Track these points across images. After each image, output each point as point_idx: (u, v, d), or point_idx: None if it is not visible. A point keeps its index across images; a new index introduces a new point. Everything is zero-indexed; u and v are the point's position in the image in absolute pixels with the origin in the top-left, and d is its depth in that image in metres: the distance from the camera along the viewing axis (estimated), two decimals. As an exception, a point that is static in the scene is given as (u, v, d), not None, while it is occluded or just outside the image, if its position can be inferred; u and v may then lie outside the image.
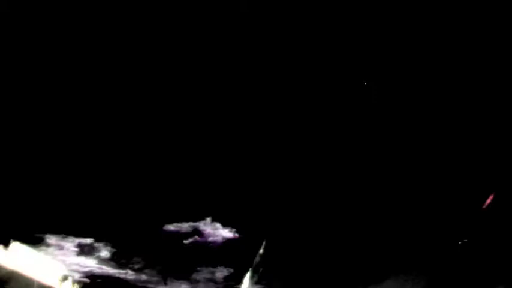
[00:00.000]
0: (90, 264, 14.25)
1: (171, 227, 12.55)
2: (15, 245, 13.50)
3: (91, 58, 9.45)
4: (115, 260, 13.73)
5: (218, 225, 12.28)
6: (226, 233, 12.46)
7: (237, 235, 12.36)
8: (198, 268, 13.78)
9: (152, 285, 14.29)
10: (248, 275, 12.92)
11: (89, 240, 13.20)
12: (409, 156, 10.40)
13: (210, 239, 12.69)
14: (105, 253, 13.71)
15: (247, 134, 9.93)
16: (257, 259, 12.46)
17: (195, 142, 10.00)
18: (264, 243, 12.11)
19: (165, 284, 13.26)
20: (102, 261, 14.02)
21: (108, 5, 9.29)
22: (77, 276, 14.86)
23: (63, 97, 9.50)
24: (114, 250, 13.43)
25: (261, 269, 12.60)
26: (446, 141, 9.98)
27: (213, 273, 13.80)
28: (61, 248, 13.80)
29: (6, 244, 13.16)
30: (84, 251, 13.80)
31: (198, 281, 13.97)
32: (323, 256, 12.30)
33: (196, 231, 12.61)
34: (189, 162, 10.32)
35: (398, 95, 9.76)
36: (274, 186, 10.83)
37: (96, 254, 13.85)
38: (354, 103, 9.96)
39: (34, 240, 13.40)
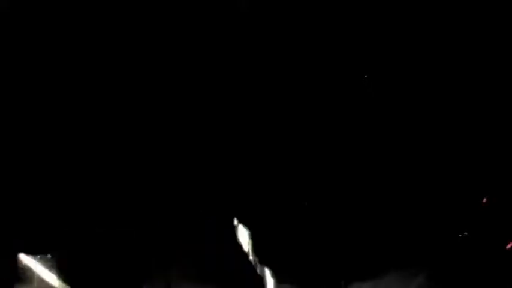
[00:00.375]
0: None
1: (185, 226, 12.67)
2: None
3: (90, 58, 9.52)
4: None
5: (232, 225, 12.43)
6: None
7: (252, 234, 12.49)
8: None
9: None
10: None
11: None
12: (409, 150, 10.49)
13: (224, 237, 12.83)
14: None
15: (248, 134, 10.03)
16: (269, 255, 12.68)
17: (197, 143, 10.12)
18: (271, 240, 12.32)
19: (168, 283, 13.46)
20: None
21: (107, 4, 9.35)
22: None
23: (71, 97, 9.59)
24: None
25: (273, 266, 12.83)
26: (446, 135, 10.08)
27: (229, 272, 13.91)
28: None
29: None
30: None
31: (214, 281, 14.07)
32: (324, 251, 12.43)
33: (211, 231, 12.73)
34: (197, 162, 10.45)
35: (397, 91, 9.84)
36: (277, 182, 10.97)
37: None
38: (352, 99, 10.04)
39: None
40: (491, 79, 9.45)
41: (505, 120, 9.63)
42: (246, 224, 11.64)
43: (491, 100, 9.65)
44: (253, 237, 11.86)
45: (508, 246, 10.63)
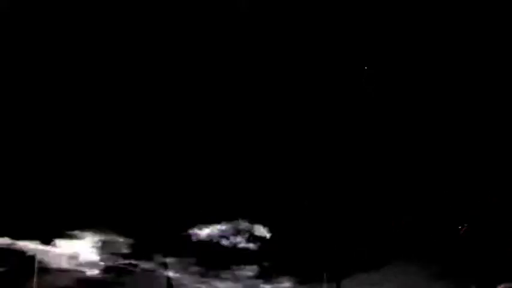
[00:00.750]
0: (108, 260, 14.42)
1: (203, 227, 12.78)
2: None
3: (90, 57, 9.48)
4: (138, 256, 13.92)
5: (249, 224, 12.54)
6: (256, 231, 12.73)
7: (266, 233, 12.65)
8: (233, 266, 14.00)
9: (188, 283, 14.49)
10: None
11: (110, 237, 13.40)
12: (409, 149, 10.48)
13: (242, 237, 12.95)
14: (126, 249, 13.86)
15: (248, 134, 10.03)
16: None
17: (202, 143, 10.10)
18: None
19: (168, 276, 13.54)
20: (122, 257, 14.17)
21: (107, 4, 9.28)
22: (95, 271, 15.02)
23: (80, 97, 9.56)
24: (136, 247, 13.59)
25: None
26: (446, 134, 10.07)
27: (245, 270, 14.02)
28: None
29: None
30: (103, 246, 13.95)
31: (235, 279, 14.17)
32: (327, 242, 12.47)
33: (229, 231, 12.86)
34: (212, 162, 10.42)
35: (397, 90, 9.81)
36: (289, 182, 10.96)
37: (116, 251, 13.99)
38: (352, 99, 10.02)
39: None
40: (491, 79, 9.43)
41: (505, 120, 9.62)
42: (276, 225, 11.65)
43: (491, 100, 9.63)
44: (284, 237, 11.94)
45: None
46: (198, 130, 9.99)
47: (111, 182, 11.07)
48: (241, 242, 13.26)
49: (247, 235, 13.02)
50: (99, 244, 14.23)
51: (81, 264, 15.23)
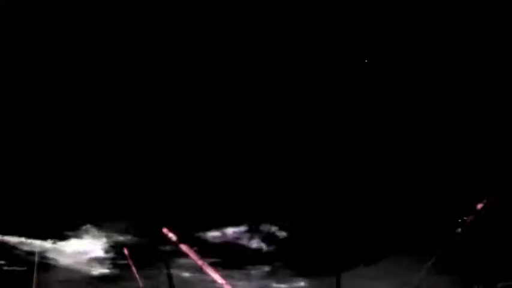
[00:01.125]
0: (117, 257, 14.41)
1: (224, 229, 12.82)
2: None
3: (90, 57, 9.47)
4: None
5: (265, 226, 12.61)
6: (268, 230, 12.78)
7: (279, 233, 12.71)
8: (246, 266, 14.03)
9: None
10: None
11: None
12: (408, 148, 10.50)
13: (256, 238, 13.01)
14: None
15: (248, 134, 10.02)
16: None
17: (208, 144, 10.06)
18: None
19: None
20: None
21: (107, 4, 9.27)
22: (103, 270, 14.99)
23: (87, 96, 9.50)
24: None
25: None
26: (446, 134, 10.07)
27: (257, 270, 14.06)
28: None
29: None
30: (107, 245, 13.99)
31: (247, 278, 14.19)
32: (329, 235, 12.50)
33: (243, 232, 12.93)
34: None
35: (397, 90, 9.81)
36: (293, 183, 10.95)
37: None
38: (352, 98, 10.02)
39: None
40: (491, 78, 9.42)
41: (505, 120, 9.61)
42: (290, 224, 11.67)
43: (491, 100, 9.62)
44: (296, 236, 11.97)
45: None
46: (202, 132, 10.01)
47: (120, 181, 11.07)
48: (253, 242, 13.34)
49: (258, 236, 13.08)
50: (103, 242, 14.26)
51: (83, 262, 15.23)
